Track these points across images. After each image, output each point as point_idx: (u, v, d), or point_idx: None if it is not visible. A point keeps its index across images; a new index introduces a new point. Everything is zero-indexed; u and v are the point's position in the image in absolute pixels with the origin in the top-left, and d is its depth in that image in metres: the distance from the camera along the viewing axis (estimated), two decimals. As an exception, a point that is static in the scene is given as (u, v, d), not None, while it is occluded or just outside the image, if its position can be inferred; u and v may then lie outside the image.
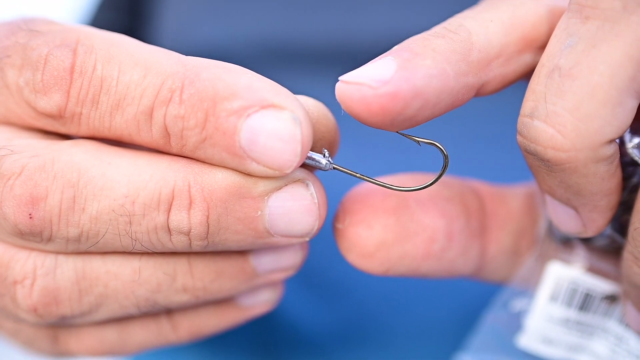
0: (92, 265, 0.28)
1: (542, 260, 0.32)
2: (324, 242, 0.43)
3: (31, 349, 0.32)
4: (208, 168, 0.25)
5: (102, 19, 0.65)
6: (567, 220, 0.28)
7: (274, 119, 0.24)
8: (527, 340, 0.32)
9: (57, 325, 0.29)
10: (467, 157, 0.42)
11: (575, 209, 0.28)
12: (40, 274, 0.27)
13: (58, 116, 0.26)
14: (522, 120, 0.26)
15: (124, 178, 0.25)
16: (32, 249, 0.27)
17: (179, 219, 0.25)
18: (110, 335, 0.31)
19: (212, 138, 0.24)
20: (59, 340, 0.31)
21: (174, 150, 0.26)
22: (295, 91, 0.52)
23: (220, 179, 0.25)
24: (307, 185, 0.26)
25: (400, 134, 0.26)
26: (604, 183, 0.26)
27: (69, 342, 0.31)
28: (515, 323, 0.33)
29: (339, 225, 0.30)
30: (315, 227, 0.27)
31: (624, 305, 0.30)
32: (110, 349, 0.31)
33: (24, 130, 0.27)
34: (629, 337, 0.31)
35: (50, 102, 0.26)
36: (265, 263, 0.29)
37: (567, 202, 0.27)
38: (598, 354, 0.32)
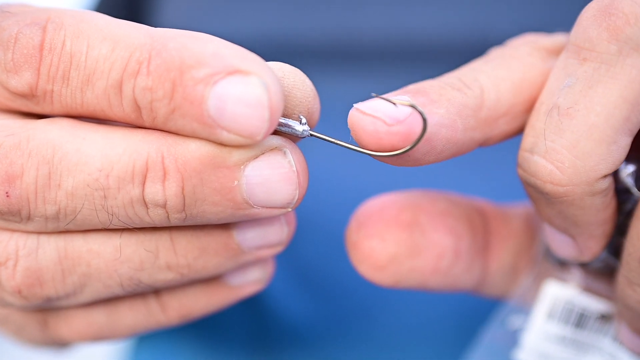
0: (73, 244, 0.27)
1: (540, 278, 0.33)
2: (324, 241, 0.44)
3: (21, 337, 0.32)
4: (181, 139, 0.25)
5: None
6: (564, 247, 0.30)
7: (241, 84, 0.23)
8: (523, 356, 0.33)
9: (44, 307, 0.29)
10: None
11: (572, 237, 0.29)
12: (23, 255, 0.27)
13: (30, 95, 0.26)
14: (523, 155, 0.27)
15: (98, 152, 0.25)
16: (14, 230, 0.27)
17: (153, 191, 0.25)
18: (99, 318, 0.30)
19: (181, 108, 0.24)
20: (49, 326, 0.31)
21: (147, 124, 0.25)
22: None
23: (193, 149, 0.25)
24: (284, 152, 0.26)
25: (375, 95, 0.26)
26: (600, 214, 0.27)
27: (58, 327, 0.31)
28: (513, 339, 0.34)
29: (353, 237, 0.31)
30: (296, 197, 0.26)
31: (618, 324, 0.31)
32: (100, 332, 0.31)
33: (0, 111, 0.27)
34: (622, 355, 0.32)
35: (21, 80, 0.25)
36: (250, 239, 0.28)
37: (564, 231, 0.29)
38: None
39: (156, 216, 0.26)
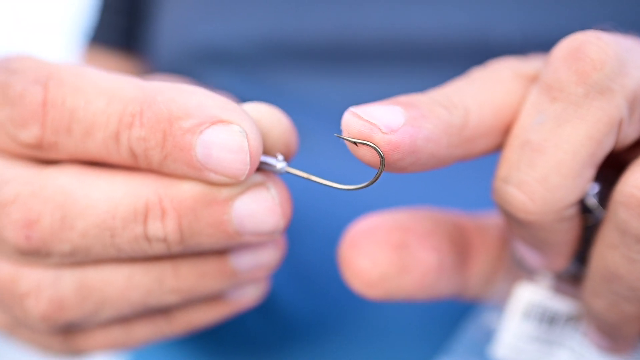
0: (88, 275, 0.31)
1: (514, 280, 0.35)
2: (323, 241, 0.45)
3: (46, 351, 0.36)
4: (175, 181, 0.28)
5: (103, 21, 0.67)
6: (533, 260, 0.32)
7: (223, 133, 0.26)
8: (499, 351, 0.35)
9: (66, 329, 0.33)
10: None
11: (541, 253, 0.31)
12: (44, 287, 0.30)
13: (38, 146, 0.29)
14: (498, 184, 0.29)
15: (103, 196, 0.28)
16: (35, 265, 0.31)
17: (154, 228, 0.28)
18: (115, 333, 0.34)
19: (172, 155, 0.27)
20: (70, 342, 0.34)
21: (144, 167, 0.28)
22: (295, 89, 0.53)
23: (187, 190, 0.28)
24: (267, 187, 0.29)
25: (337, 136, 0.28)
26: (567, 235, 0.30)
27: (79, 341, 0.34)
28: (489, 336, 0.36)
29: (346, 255, 0.33)
30: (281, 225, 0.29)
31: (587, 325, 0.33)
32: (116, 345, 0.34)
33: (14, 159, 0.30)
34: (590, 353, 0.34)
35: (29, 134, 0.28)
36: (244, 263, 0.32)
37: (534, 247, 0.31)
38: None
39: (158, 248, 0.29)
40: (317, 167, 0.47)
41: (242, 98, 0.42)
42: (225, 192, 0.28)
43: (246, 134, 0.27)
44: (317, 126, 0.48)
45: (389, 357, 0.45)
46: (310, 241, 0.46)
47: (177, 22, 0.56)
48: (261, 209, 0.29)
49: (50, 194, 0.28)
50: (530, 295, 0.34)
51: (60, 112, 0.28)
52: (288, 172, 0.29)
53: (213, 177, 0.27)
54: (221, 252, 0.31)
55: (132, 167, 0.29)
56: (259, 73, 0.52)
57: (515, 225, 0.30)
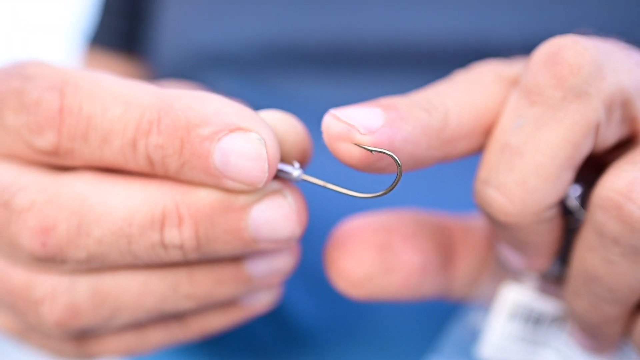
0: (104, 282, 0.31)
1: (499, 280, 0.36)
2: (323, 239, 0.45)
3: (59, 355, 0.36)
4: (193, 188, 0.28)
5: (104, 23, 0.67)
6: (516, 261, 0.33)
7: (242, 140, 0.27)
8: (485, 351, 0.35)
9: (80, 335, 0.33)
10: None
11: (523, 254, 0.32)
12: (59, 293, 0.30)
13: (54, 153, 0.29)
14: (478, 186, 0.30)
15: (120, 203, 0.28)
16: (50, 271, 0.31)
17: (171, 235, 0.28)
18: (129, 339, 0.34)
19: (189, 162, 0.27)
20: (83, 347, 0.34)
21: (161, 174, 0.28)
22: (297, 92, 0.53)
23: (204, 197, 0.28)
24: (284, 195, 0.29)
25: (356, 145, 0.28)
26: (547, 236, 0.30)
27: (92, 347, 0.34)
28: (475, 336, 0.36)
29: (331, 256, 0.33)
30: (297, 232, 0.29)
31: (571, 325, 0.34)
32: (129, 350, 0.34)
33: (29, 165, 0.30)
34: (575, 355, 0.34)
35: (45, 141, 0.28)
36: (259, 269, 0.32)
37: (515, 249, 0.32)
38: None
39: (175, 255, 0.29)
40: (319, 171, 0.47)
41: (244, 102, 0.42)
42: (242, 200, 0.28)
43: (264, 142, 0.27)
44: (319, 130, 0.48)
45: None
46: (318, 247, 0.46)
47: (179, 25, 0.56)
48: (278, 217, 0.29)
49: (66, 200, 0.28)
50: (516, 296, 0.34)
51: (77, 119, 0.28)
52: (304, 180, 0.29)
53: (231, 184, 0.27)
54: (236, 258, 0.31)
55: (149, 174, 0.29)
56: (261, 76, 0.52)
57: (497, 227, 0.31)
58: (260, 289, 0.33)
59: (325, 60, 0.49)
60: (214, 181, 0.27)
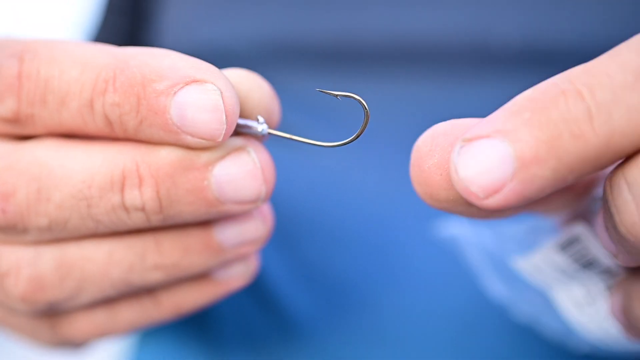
0: (68, 252, 0.30)
1: (576, 216, 0.32)
2: (324, 238, 0.45)
3: (37, 341, 0.35)
4: (152, 147, 0.27)
5: (105, 22, 0.68)
6: (610, 247, 0.27)
7: (198, 92, 0.26)
8: (521, 263, 0.33)
9: (49, 312, 0.32)
10: None
11: (626, 255, 0.26)
12: (23, 265, 0.30)
13: (15, 119, 0.28)
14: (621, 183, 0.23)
15: (80, 166, 0.28)
16: (13, 243, 0.30)
17: (132, 196, 0.27)
18: (100, 317, 0.33)
19: (147, 119, 0.26)
20: (56, 328, 0.33)
21: (120, 136, 0.28)
22: (299, 90, 0.53)
23: (164, 156, 0.27)
24: (248, 152, 0.28)
25: (319, 90, 0.27)
26: None
27: (65, 328, 0.33)
28: (517, 247, 0.34)
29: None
30: (263, 191, 0.28)
31: (614, 297, 0.31)
32: (102, 330, 0.33)
33: None
34: (601, 306, 0.32)
35: (5, 107, 0.28)
36: (230, 237, 0.31)
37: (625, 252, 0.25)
38: (573, 296, 0.33)
39: (137, 219, 0.28)
40: (321, 167, 0.47)
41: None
42: (204, 157, 0.27)
43: (221, 92, 0.26)
44: (320, 127, 0.48)
45: (391, 357, 0.43)
46: (312, 241, 0.46)
47: (180, 24, 0.56)
48: (242, 174, 0.28)
49: (26, 166, 0.28)
50: (582, 234, 0.31)
51: (35, 83, 0.27)
52: (270, 134, 0.28)
53: (190, 140, 0.26)
54: (205, 225, 0.30)
55: (109, 136, 0.28)
56: (263, 74, 0.51)
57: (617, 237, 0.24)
58: (234, 261, 0.32)
59: (327, 58, 0.49)
60: (173, 138, 0.27)
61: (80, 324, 0.33)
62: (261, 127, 0.28)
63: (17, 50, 0.28)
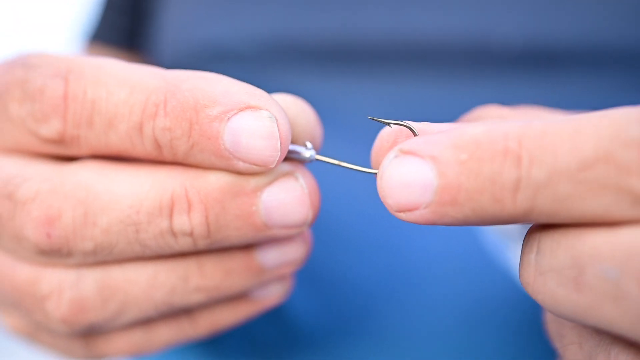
0: (111, 275, 0.30)
1: None
2: (324, 236, 0.45)
3: (68, 355, 0.35)
4: (202, 172, 0.27)
5: (105, 21, 0.67)
6: None
7: (252, 119, 0.26)
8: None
9: (88, 333, 0.32)
10: None
11: None
12: (66, 288, 0.30)
13: (60, 140, 0.28)
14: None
15: (127, 191, 0.27)
16: (56, 265, 0.30)
17: (180, 222, 0.27)
18: (137, 336, 0.33)
19: (199, 144, 0.26)
20: (92, 346, 0.33)
21: (168, 159, 0.27)
22: (301, 88, 0.53)
23: (214, 181, 0.27)
24: (296, 177, 0.28)
25: (370, 118, 0.27)
26: None
27: (100, 346, 0.33)
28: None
29: None
30: (310, 216, 0.28)
31: None
32: (137, 348, 0.33)
33: (33, 157, 0.30)
34: None
35: (50, 128, 0.28)
36: (271, 259, 0.31)
37: None
38: None
39: (184, 243, 0.28)
40: (320, 165, 0.47)
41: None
42: (253, 182, 0.27)
43: (276, 119, 0.26)
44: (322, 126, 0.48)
45: (394, 357, 0.44)
46: (315, 244, 0.45)
47: (181, 22, 0.56)
48: (290, 200, 0.28)
49: (71, 189, 0.28)
50: None
51: (82, 105, 0.27)
52: (318, 160, 0.28)
53: (242, 165, 0.26)
54: (247, 248, 0.31)
55: (156, 159, 0.28)
56: (264, 73, 0.51)
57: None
58: (272, 280, 0.32)
59: (326, 56, 0.48)
60: (225, 163, 0.26)
61: (117, 342, 0.33)
62: (309, 152, 0.28)
63: (62, 70, 0.28)
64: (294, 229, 0.28)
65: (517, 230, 0.33)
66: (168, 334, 0.33)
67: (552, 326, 0.27)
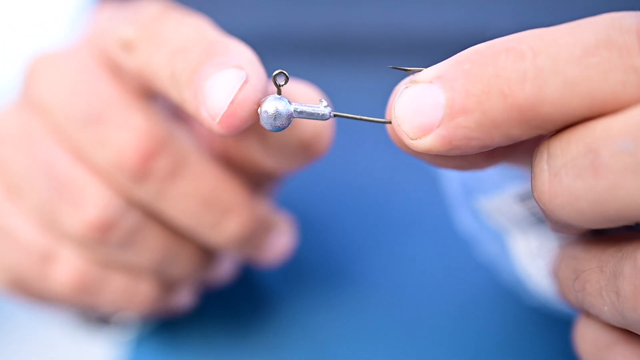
0: (150, 226, 0.33)
1: None
2: (324, 235, 0.45)
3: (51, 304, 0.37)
4: None
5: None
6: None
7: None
8: (482, 203, 0.33)
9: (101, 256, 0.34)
10: None
11: None
12: (110, 205, 0.32)
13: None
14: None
15: None
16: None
17: None
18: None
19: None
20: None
21: None
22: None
23: None
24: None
25: (393, 67, 0.26)
26: None
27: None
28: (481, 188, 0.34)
29: None
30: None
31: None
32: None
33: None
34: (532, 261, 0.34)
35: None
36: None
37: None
38: (529, 245, 0.34)
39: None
40: (323, 166, 0.47)
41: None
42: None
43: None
44: None
45: (382, 353, 0.44)
46: (306, 231, 0.45)
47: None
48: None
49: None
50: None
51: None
52: (336, 116, 0.27)
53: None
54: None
55: None
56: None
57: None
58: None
59: (323, 50, 0.48)
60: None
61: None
62: (327, 109, 0.27)
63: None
64: None
65: (517, 219, 0.32)
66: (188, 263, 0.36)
67: (564, 272, 0.27)
